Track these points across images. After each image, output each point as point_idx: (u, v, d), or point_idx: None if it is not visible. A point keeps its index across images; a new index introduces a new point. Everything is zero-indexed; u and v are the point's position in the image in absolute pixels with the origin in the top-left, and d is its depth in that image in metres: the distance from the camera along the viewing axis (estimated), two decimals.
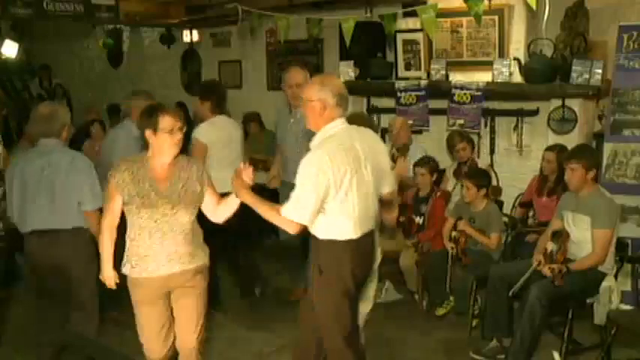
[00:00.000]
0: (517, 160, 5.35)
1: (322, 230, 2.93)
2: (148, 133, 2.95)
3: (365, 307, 3.40)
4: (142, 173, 2.97)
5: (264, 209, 2.93)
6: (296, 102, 4.23)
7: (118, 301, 3.53)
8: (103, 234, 3.06)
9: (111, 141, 4.61)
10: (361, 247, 2.99)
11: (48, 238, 3.53)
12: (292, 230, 2.87)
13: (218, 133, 4.46)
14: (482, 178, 4.58)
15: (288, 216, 2.82)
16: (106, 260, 3.09)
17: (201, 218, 3.16)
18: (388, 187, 3.15)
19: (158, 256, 2.97)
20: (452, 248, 4.40)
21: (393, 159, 5.11)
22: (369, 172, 2.95)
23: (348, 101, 3.02)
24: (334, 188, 2.81)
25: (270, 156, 5.50)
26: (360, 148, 2.93)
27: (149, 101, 4.06)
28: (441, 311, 4.62)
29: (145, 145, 3.05)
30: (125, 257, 3.04)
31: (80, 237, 3.58)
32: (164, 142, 2.95)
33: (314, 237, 2.97)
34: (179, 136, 2.98)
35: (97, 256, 3.18)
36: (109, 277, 3.11)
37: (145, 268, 2.99)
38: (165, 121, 2.94)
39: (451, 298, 4.58)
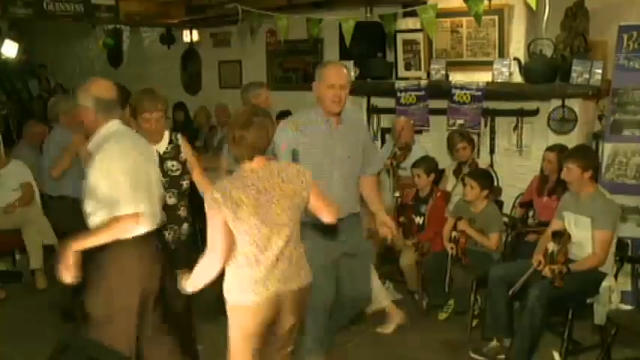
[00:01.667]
0: (517, 160, 5.35)
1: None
2: None
3: None
4: None
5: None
6: (336, 108, 3.34)
7: None
8: None
9: None
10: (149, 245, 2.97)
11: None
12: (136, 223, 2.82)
13: None
14: (486, 179, 4.58)
15: (129, 211, 2.79)
16: None
17: None
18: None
19: None
20: (452, 248, 4.40)
21: (395, 158, 5.15)
22: (156, 171, 3.09)
23: (115, 104, 2.99)
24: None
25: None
26: (145, 149, 3.05)
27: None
28: (442, 315, 4.60)
29: None
30: None
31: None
32: None
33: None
34: None
35: None
36: None
37: None
38: None
39: (450, 301, 4.58)
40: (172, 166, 3.53)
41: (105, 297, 2.84)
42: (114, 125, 2.95)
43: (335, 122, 3.37)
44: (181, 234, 3.62)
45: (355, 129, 3.48)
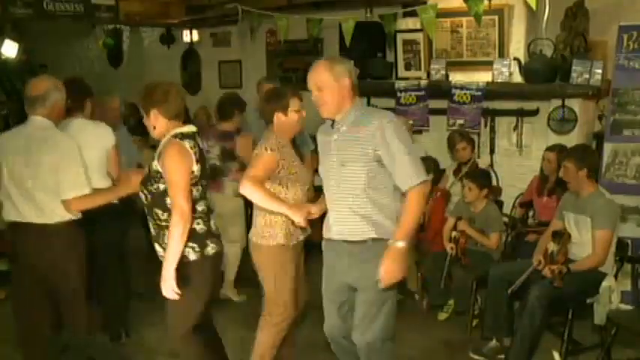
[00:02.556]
0: (517, 160, 5.35)
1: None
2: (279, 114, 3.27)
3: None
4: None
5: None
6: (322, 113, 2.97)
7: None
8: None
9: None
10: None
11: None
12: None
13: None
14: (484, 178, 4.59)
15: None
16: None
17: None
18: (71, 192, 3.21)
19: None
20: (452, 248, 4.40)
21: None
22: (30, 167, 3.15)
23: (36, 100, 3.18)
24: None
25: None
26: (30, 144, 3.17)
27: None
28: (443, 316, 4.61)
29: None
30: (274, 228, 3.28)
31: None
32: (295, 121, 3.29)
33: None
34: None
35: None
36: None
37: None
38: (296, 103, 3.30)
39: (450, 302, 4.59)
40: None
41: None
42: (30, 120, 3.23)
43: (343, 126, 2.92)
44: None
45: (361, 133, 2.85)
